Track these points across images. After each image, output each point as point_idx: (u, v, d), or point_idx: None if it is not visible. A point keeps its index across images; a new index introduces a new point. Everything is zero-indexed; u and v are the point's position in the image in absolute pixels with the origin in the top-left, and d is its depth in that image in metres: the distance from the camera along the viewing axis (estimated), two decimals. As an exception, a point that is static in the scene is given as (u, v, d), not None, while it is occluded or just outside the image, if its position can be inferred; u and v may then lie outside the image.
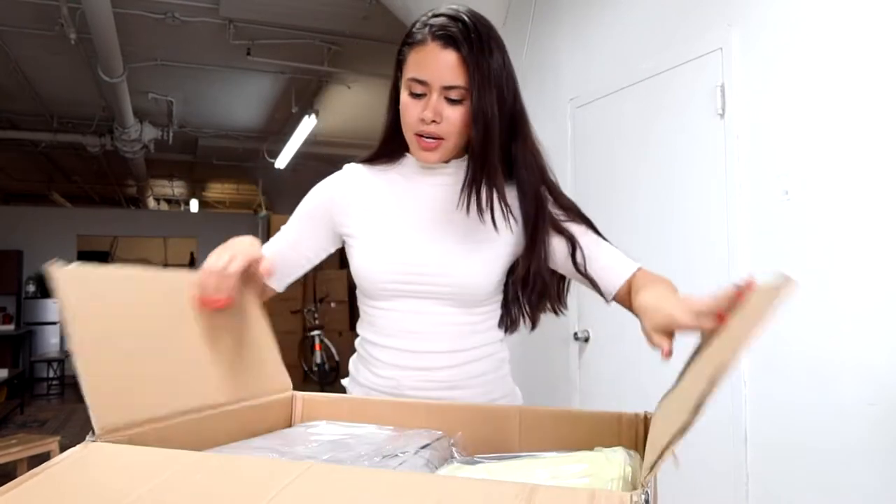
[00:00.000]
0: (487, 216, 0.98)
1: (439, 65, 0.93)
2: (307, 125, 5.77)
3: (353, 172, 1.12)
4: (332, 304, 8.52)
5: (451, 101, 0.95)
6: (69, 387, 8.30)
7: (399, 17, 3.63)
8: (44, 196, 10.21)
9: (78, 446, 0.56)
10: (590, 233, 1.03)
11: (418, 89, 0.95)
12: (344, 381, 1.17)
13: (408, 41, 0.97)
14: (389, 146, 1.09)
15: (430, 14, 0.96)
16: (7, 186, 9.80)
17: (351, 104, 5.93)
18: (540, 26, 3.00)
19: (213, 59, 5.01)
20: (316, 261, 1.11)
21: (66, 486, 0.49)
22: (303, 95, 5.68)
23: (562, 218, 1.03)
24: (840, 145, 1.73)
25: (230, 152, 7.72)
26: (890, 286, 1.61)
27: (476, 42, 0.93)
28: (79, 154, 7.41)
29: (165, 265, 13.58)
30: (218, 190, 11.18)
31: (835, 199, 1.74)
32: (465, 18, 0.94)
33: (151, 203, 11.36)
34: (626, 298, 0.99)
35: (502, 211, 1.00)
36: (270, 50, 4.61)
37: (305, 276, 9.54)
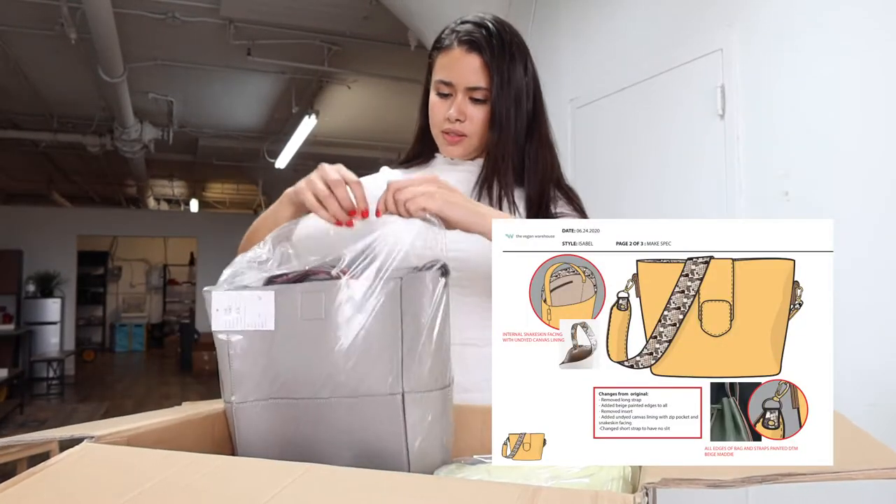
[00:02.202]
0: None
1: (463, 68, 1.00)
2: (307, 125, 5.77)
3: (388, 174, 1.15)
4: (332, 305, 8.51)
5: (476, 101, 1.01)
6: (69, 387, 8.30)
7: (399, 17, 3.63)
8: (44, 196, 10.21)
9: (77, 446, 0.56)
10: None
11: (445, 90, 1.02)
12: None
13: (436, 46, 1.05)
14: (420, 146, 1.14)
15: (458, 21, 1.04)
16: (7, 186, 9.79)
17: (351, 104, 5.93)
18: (540, 26, 3.00)
19: (214, 59, 5.01)
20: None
21: (63, 484, 0.49)
22: (303, 95, 5.68)
23: (565, 216, 1.05)
24: (840, 146, 1.73)
25: (230, 152, 7.72)
26: (889, 287, 1.61)
27: (498, 47, 0.99)
28: (79, 154, 7.41)
29: (165, 265, 13.60)
30: (218, 190, 11.19)
31: (835, 200, 1.74)
32: (489, 25, 1.01)
33: (151, 203, 11.36)
34: None
35: (510, 210, 1.03)
36: (270, 50, 4.61)
37: (305, 277, 9.54)
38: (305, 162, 7.55)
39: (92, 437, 0.59)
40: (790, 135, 1.86)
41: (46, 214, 9.64)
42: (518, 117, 1.02)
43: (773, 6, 1.92)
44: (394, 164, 1.18)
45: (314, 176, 0.82)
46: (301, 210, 0.87)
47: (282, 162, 7.11)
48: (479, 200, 1.01)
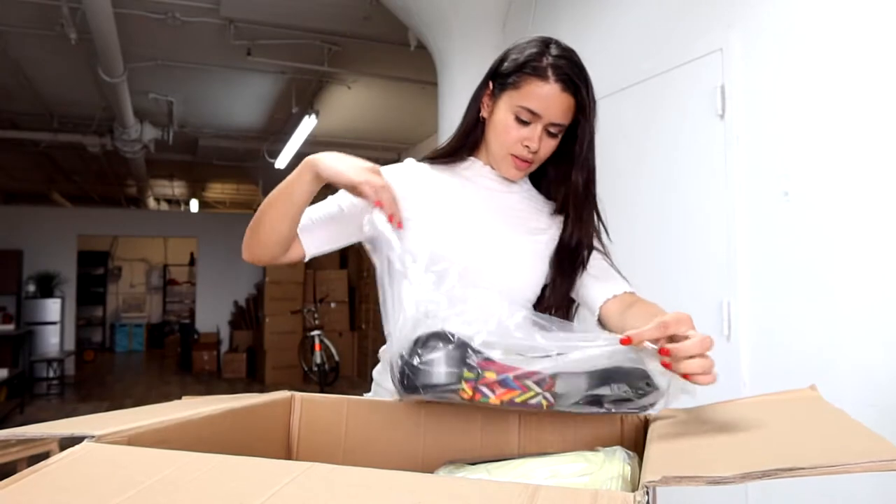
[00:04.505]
0: (584, 252, 1.09)
1: (557, 105, 1.01)
2: (307, 125, 5.76)
3: (413, 165, 1.16)
4: (332, 304, 8.52)
5: (550, 134, 1.05)
6: (69, 387, 8.30)
7: (399, 17, 3.62)
8: (44, 196, 10.20)
9: (77, 446, 0.56)
10: (599, 256, 1.10)
11: (526, 117, 1.03)
12: (368, 396, 1.11)
13: (524, 70, 1.02)
14: (458, 145, 1.15)
15: (541, 45, 1.03)
16: (7, 186, 9.79)
17: (351, 104, 5.92)
18: (540, 27, 3.00)
19: (214, 60, 5.01)
20: (351, 239, 1.10)
21: (62, 482, 0.49)
22: (303, 95, 5.68)
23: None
24: (840, 146, 1.73)
25: (230, 152, 7.71)
26: (889, 287, 1.61)
27: (589, 90, 1.04)
28: (79, 154, 7.40)
29: (165, 265, 13.60)
30: (218, 190, 11.18)
31: (835, 200, 1.74)
32: (579, 62, 1.03)
33: (151, 203, 11.35)
34: (611, 311, 1.04)
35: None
36: (271, 50, 4.61)
37: (305, 277, 9.31)
38: (305, 162, 7.53)
39: (92, 437, 0.59)
40: (790, 135, 1.86)
41: (46, 214, 9.63)
42: (593, 155, 1.09)
43: (773, 6, 1.92)
44: (418, 158, 1.18)
45: (366, 174, 0.92)
46: (319, 183, 0.95)
47: (282, 162, 7.10)
48: (573, 238, 1.09)
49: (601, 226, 1.14)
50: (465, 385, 0.70)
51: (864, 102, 1.68)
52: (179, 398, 0.88)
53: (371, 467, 0.51)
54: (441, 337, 0.73)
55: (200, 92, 5.85)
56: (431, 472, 0.78)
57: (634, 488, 0.61)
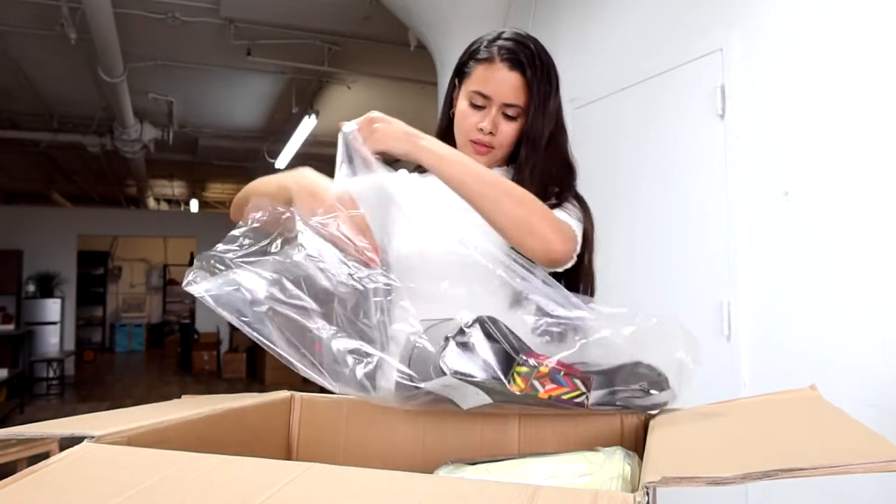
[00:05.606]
0: None
1: (504, 84, 1.02)
2: (307, 125, 5.77)
3: (404, 175, 1.17)
4: (332, 305, 8.52)
5: (507, 118, 1.04)
6: (69, 387, 8.30)
7: (399, 17, 3.62)
8: (44, 196, 10.20)
9: (77, 446, 0.56)
10: None
11: (479, 101, 1.04)
12: None
13: (475, 56, 1.05)
14: None
15: (496, 33, 1.05)
16: (7, 186, 9.79)
17: (351, 104, 5.92)
18: (540, 26, 3.00)
19: (214, 60, 5.01)
20: None
21: (62, 483, 0.49)
22: (303, 95, 5.68)
23: None
24: (840, 146, 1.73)
25: (230, 152, 7.71)
26: (889, 287, 1.61)
27: (539, 68, 1.03)
28: (79, 154, 7.40)
29: (165, 265, 13.60)
30: (218, 190, 11.17)
31: (835, 200, 1.74)
32: (532, 46, 1.04)
33: (151, 203, 11.35)
34: None
35: None
36: (271, 50, 4.61)
37: (305, 277, 9.46)
38: (306, 162, 7.53)
39: (92, 437, 0.59)
40: (790, 135, 1.86)
41: (46, 214, 9.63)
42: (548, 136, 1.05)
43: (773, 6, 1.92)
44: (409, 167, 1.19)
45: (312, 196, 0.93)
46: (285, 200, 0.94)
47: (282, 162, 7.10)
48: None
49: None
50: (518, 378, 0.69)
51: (864, 102, 1.68)
52: (179, 398, 0.88)
53: (371, 467, 0.51)
54: (484, 324, 0.73)
55: (200, 92, 5.85)
56: (431, 472, 0.78)
57: (634, 488, 0.61)
